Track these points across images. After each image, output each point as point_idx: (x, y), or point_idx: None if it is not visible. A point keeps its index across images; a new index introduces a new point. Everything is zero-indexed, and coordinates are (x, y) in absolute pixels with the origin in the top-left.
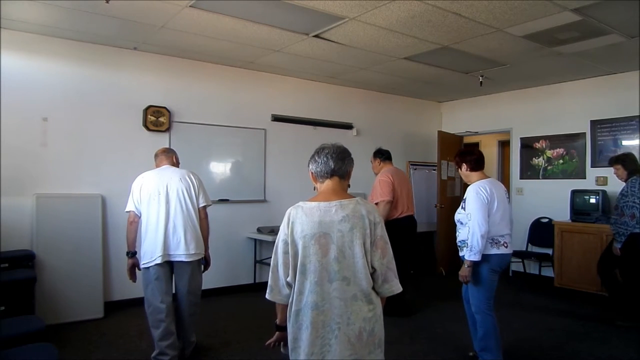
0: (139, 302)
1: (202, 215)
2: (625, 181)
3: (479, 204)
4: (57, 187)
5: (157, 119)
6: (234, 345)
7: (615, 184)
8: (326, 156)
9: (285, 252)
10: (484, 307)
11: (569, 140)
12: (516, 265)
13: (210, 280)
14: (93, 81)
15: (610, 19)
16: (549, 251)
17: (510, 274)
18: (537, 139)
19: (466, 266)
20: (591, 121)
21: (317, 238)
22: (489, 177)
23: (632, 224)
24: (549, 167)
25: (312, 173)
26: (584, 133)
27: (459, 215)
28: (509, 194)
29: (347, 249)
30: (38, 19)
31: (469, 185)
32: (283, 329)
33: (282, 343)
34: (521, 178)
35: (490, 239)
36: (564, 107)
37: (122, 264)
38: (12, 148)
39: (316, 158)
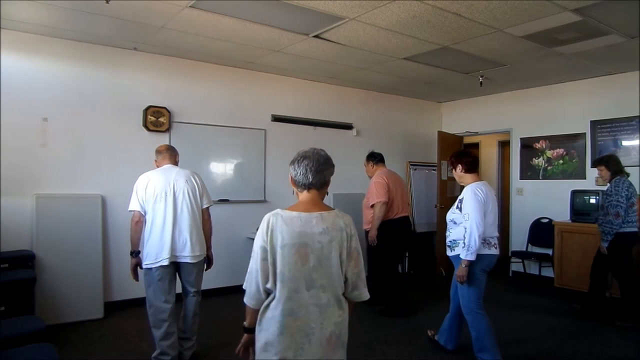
0: (139, 302)
1: (206, 216)
2: (609, 182)
3: (477, 204)
4: (57, 187)
5: (157, 119)
6: (234, 345)
7: None
8: (305, 168)
9: (264, 259)
10: (474, 306)
11: (569, 140)
12: (516, 266)
13: (210, 280)
14: (93, 81)
15: (610, 19)
16: (549, 251)
17: (510, 274)
18: (537, 139)
19: (464, 266)
20: (591, 121)
21: (297, 248)
22: (482, 180)
23: (617, 222)
24: (549, 168)
25: (292, 177)
26: (584, 133)
27: (453, 215)
28: (509, 195)
29: (324, 260)
30: (38, 19)
31: (462, 186)
32: (252, 331)
33: (252, 350)
34: (521, 178)
35: (483, 240)
36: (564, 107)
37: (123, 264)
38: (12, 148)
39: (296, 167)
